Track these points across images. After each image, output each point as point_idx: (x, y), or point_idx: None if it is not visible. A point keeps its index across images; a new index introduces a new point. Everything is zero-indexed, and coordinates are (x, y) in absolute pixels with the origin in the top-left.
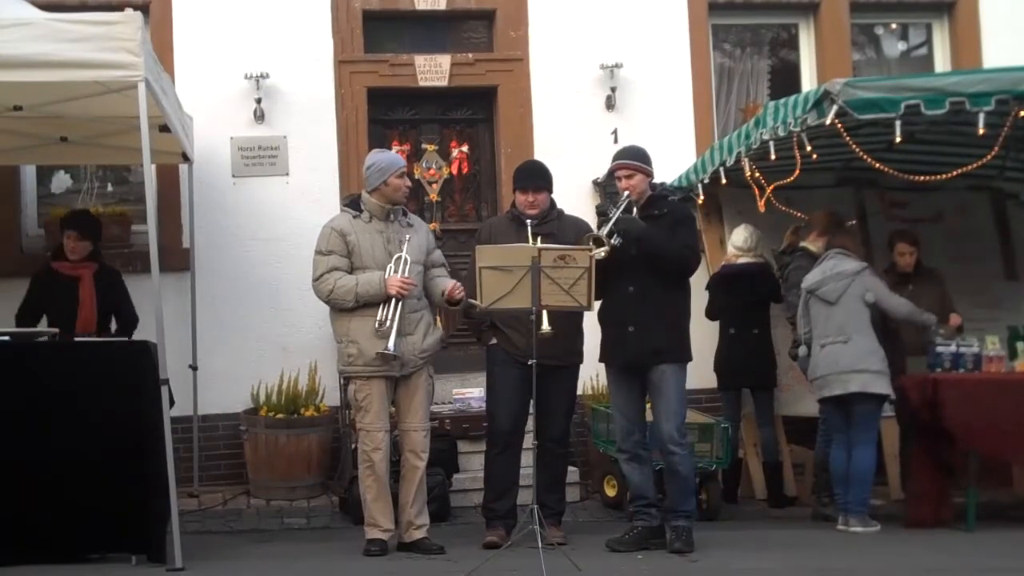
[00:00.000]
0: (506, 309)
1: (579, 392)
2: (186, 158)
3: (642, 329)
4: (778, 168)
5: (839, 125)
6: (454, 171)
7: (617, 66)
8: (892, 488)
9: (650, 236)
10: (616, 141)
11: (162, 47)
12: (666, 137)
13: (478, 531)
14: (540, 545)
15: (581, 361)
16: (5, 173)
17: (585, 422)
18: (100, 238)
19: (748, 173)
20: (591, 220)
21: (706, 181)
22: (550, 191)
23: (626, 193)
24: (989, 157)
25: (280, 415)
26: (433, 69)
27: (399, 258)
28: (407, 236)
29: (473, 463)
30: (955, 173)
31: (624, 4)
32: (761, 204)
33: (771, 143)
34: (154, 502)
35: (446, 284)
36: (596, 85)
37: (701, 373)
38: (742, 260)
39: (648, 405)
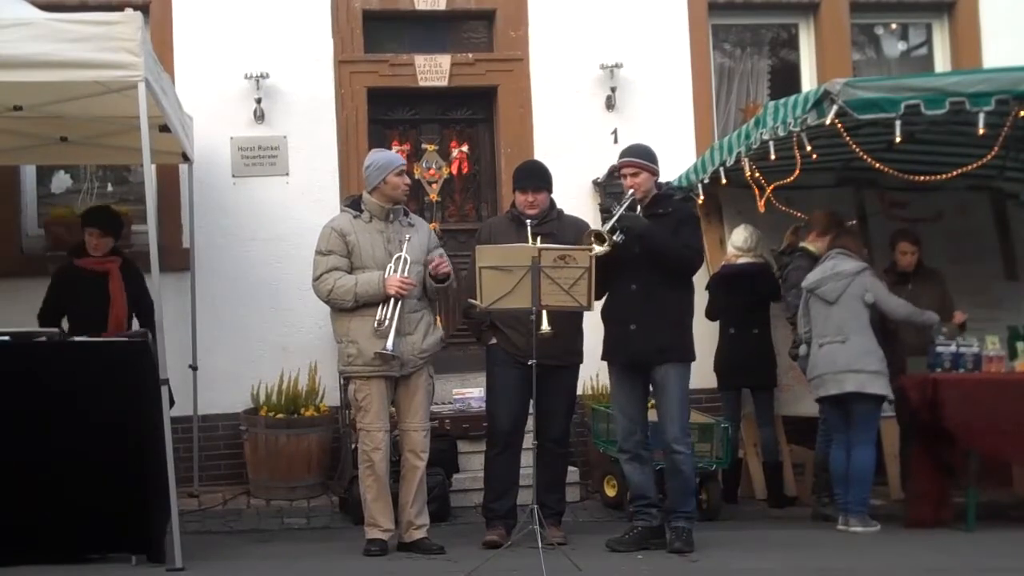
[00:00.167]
0: (506, 309)
1: (579, 392)
2: (186, 158)
3: (644, 327)
4: (778, 168)
5: (839, 125)
6: (454, 171)
7: (617, 66)
8: (892, 488)
9: (653, 234)
10: (616, 141)
11: (162, 47)
12: (666, 137)
13: (478, 531)
14: (540, 545)
15: (581, 361)
16: (5, 173)
17: (585, 422)
18: (120, 234)
19: (748, 173)
20: (591, 220)
21: (706, 181)
22: (550, 191)
23: (630, 191)
24: (989, 157)
25: (280, 415)
26: (433, 69)
27: (399, 258)
28: (407, 236)
29: (473, 463)
30: (955, 173)
31: (624, 4)
32: (761, 204)
33: (771, 143)
34: (154, 502)
35: (431, 256)
36: (596, 85)
37: (701, 373)
38: (742, 260)
39: (651, 405)
